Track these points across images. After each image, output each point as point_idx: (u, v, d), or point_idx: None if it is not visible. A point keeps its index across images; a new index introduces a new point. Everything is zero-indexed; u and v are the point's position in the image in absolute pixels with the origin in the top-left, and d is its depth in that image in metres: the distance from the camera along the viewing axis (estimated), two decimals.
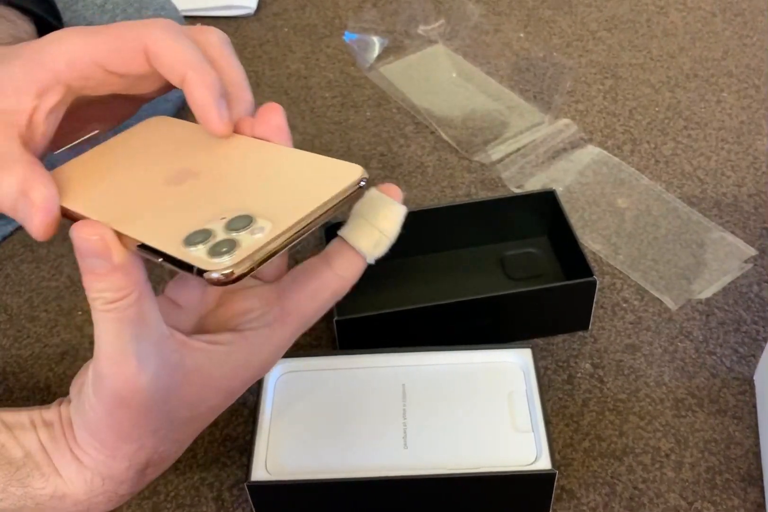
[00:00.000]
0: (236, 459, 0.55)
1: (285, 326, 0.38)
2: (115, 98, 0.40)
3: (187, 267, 0.31)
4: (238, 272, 0.30)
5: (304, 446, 0.51)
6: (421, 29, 0.92)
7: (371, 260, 0.38)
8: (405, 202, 0.76)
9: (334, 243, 0.38)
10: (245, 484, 0.48)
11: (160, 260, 0.32)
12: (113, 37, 0.36)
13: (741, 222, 0.69)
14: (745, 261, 0.66)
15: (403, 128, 0.81)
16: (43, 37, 0.38)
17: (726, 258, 0.66)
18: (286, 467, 0.49)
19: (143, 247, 0.33)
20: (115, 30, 0.36)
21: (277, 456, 0.50)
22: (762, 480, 0.53)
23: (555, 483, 0.49)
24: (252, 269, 0.31)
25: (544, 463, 0.49)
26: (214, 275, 0.30)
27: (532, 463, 0.49)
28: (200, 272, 0.30)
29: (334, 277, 0.38)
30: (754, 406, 0.57)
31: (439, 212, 0.64)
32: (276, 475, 0.49)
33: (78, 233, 0.34)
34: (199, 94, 0.36)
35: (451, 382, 0.54)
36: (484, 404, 0.52)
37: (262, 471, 0.49)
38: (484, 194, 0.74)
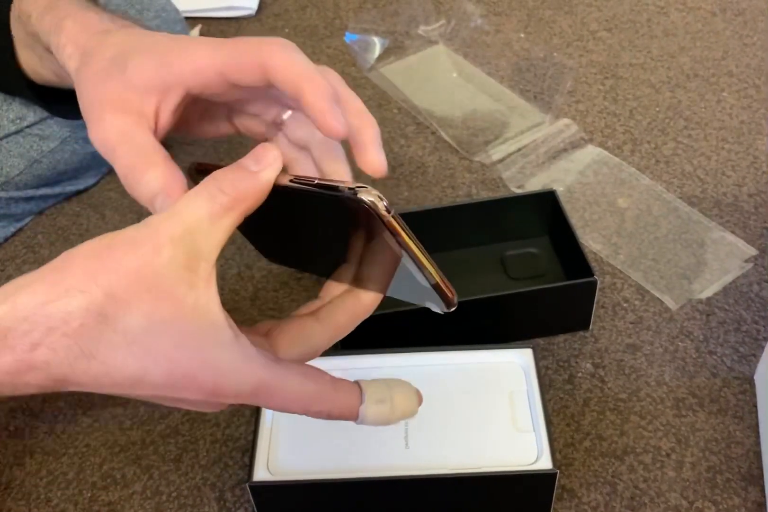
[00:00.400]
0: (238, 460, 0.56)
1: (268, 368, 0.36)
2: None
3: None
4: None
5: (306, 446, 0.51)
6: (422, 30, 0.92)
7: (364, 411, 0.38)
8: (406, 202, 0.76)
9: (350, 384, 0.39)
10: (247, 484, 0.48)
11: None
12: (235, 51, 0.39)
13: (741, 222, 0.69)
14: (746, 261, 0.66)
15: (403, 129, 0.81)
16: (172, 39, 0.42)
17: (726, 258, 0.66)
18: (287, 467, 0.49)
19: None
20: (237, 45, 0.39)
21: (279, 457, 0.50)
22: (763, 480, 0.53)
23: (556, 483, 0.49)
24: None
25: (545, 463, 0.49)
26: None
27: (533, 463, 0.49)
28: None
29: (330, 389, 0.38)
30: (755, 405, 0.57)
31: (440, 213, 0.65)
32: (278, 475, 0.49)
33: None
34: (314, 99, 0.37)
35: (453, 382, 0.54)
36: (485, 404, 0.53)
37: (263, 471, 0.49)
38: (484, 194, 0.74)
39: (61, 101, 0.61)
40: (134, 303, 0.34)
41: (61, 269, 0.34)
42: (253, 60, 0.39)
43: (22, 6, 0.53)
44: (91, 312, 0.33)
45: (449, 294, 0.36)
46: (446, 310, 0.37)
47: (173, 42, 0.42)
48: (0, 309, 0.33)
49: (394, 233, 0.34)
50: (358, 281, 0.40)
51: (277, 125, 0.44)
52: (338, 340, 0.41)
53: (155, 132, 0.42)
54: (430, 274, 0.36)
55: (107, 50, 0.44)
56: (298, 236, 0.41)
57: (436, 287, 0.36)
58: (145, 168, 0.39)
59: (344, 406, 0.38)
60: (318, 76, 0.38)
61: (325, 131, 0.37)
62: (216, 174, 0.36)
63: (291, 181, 0.36)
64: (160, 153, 0.40)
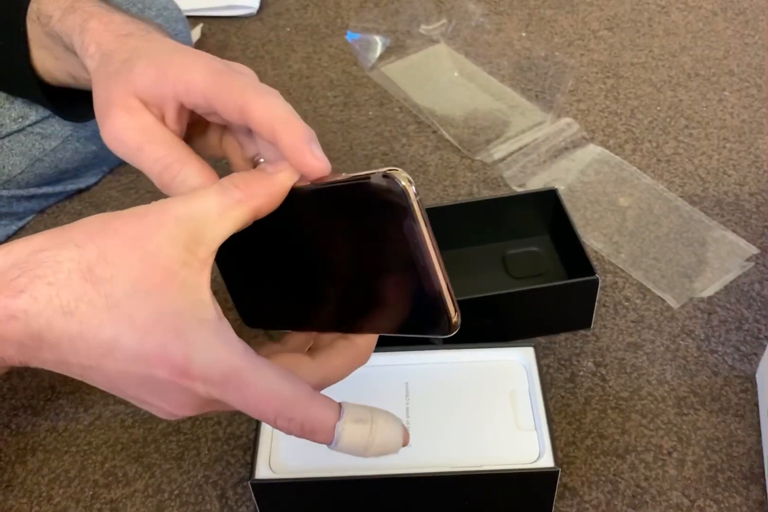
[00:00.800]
0: (240, 458, 0.56)
1: (245, 357, 0.35)
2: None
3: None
4: None
5: (308, 444, 0.50)
6: (423, 29, 0.92)
7: (340, 428, 0.35)
8: None
9: (329, 399, 0.37)
10: (249, 482, 0.49)
11: None
12: (224, 85, 0.40)
13: (742, 221, 0.69)
14: (747, 260, 0.66)
15: (405, 128, 0.81)
16: (177, 51, 0.43)
17: (728, 257, 0.66)
18: (289, 465, 0.49)
19: None
20: (227, 80, 0.40)
21: (281, 455, 0.50)
22: (764, 478, 0.53)
23: (558, 481, 0.49)
24: None
25: (546, 461, 0.49)
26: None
27: (534, 461, 0.49)
28: None
29: (306, 398, 0.35)
30: (756, 404, 0.57)
31: (442, 211, 0.65)
32: (279, 473, 0.49)
33: None
34: (288, 140, 0.37)
35: (454, 380, 0.54)
36: (486, 402, 0.53)
37: (265, 469, 0.49)
38: (486, 193, 0.74)
39: (70, 103, 0.62)
40: (125, 269, 0.34)
41: (66, 228, 0.35)
42: (234, 100, 0.39)
43: (41, 8, 0.54)
44: (81, 266, 0.34)
45: (453, 309, 0.34)
46: (447, 333, 0.34)
47: (176, 55, 0.43)
48: None
49: (416, 220, 0.33)
50: (356, 321, 0.38)
51: (254, 163, 0.44)
52: (330, 385, 0.38)
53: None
54: (441, 276, 0.33)
55: (123, 53, 0.45)
56: (300, 272, 0.40)
57: (440, 295, 0.33)
58: (181, 165, 0.40)
59: (318, 418, 0.35)
60: (294, 119, 0.38)
61: (306, 169, 0.37)
62: (233, 174, 0.37)
63: (312, 183, 0.37)
64: (188, 148, 0.41)
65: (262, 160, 0.43)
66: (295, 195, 0.38)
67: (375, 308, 0.37)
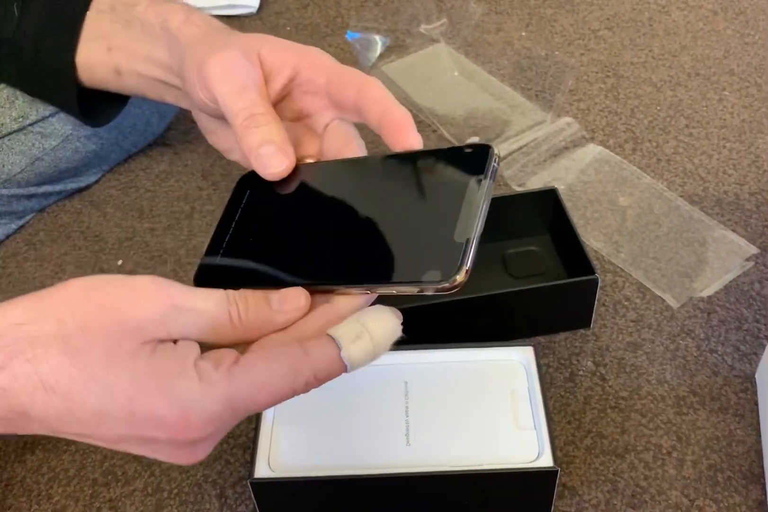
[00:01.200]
0: (239, 457, 0.56)
1: (228, 374, 0.34)
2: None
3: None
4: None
5: (307, 443, 0.51)
6: (423, 28, 0.92)
7: (348, 360, 0.35)
8: None
9: (318, 337, 0.36)
10: (248, 481, 0.49)
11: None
12: (345, 69, 0.47)
13: (743, 220, 0.69)
14: (747, 259, 0.66)
15: None
16: (298, 50, 0.49)
17: (728, 256, 0.66)
18: (288, 464, 0.49)
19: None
20: (351, 70, 0.47)
21: (280, 454, 0.50)
22: (764, 478, 0.53)
23: (557, 481, 0.49)
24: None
25: (546, 460, 0.49)
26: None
27: (534, 460, 0.49)
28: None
29: (301, 354, 0.35)
30: (756, 404, 0.57)
31: None
32: (279, 472, 0.49)
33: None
34: (399, 117, 0.43)
35: (454, 380, 0.54)
36: (486, 401, 0.53)
37: (265, 468, 0.49)
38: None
39: (91, 107, 0.65)
40: (101, 337, 0.33)
41: (48, 295, 0.34)
42: (355, 80, 0.46)
43: None
44: (59, 340, 0.33)
45: (468, 262, 0.34)
46: (450, 284, 0.33)
47: (303, 45, 0.49)
48: None
49: (490, 178, 0.36)
50: (356, 271, 0.37)
51: None
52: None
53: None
54: (479, 226, 0.35)
55: (235, 38, 0.51)
56: (315, 224, 0.41)
57: (468, 243, 0.34)
58: (270, 119, 0.45)
59: (324, 362, 0.35)
60: (403, 107, 0.44)
61: (406, 142, 0.42)
62: (244, 297, 0.37)
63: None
64: (279, 121, 0.45)
65: (308, 160, 0.47)
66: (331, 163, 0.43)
67: (385, 256, 0.36)
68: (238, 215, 0.44)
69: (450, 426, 0.51)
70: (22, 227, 0.73)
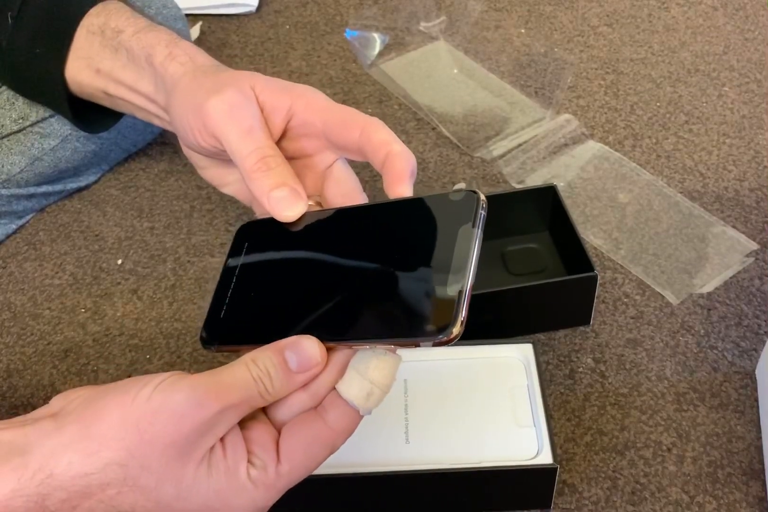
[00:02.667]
0: None
1: (276, 474, 0.38)
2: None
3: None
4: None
5: None
6: (422, 26, 0.92)
7: (365, 412, 0.38)
8: None
9: (329, 396, 0.39)
10: None
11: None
12: (346, 114, 0.46)
13: (742, 216, 0.69)
14: (747, 255, 0.66)
15: (404, 125, 0.81)
16: (292, 91, 0.48)
17: (727, 252, 0.66)
18: None
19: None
20: (349, 110, 0.46)
21: None
22: (764, 474, 0.53)
23: (557, 478, 0.49)
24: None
25: (545, 458, 0.49)
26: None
27: (533, 458, 0.49)
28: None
29: (327, 430, 0.38)
30: (756, 400, 0.57)
31: None
32: None
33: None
34: (399, 166, 0.43)
35: (453, 377, 0.54)
36: (485, 399, 0.53)
37: None
38: (485, 190, 0.74)
39: (86, 114, 0.66)
40: (166, 473, 0.36)
41: (97, 437, 0.35)
42: (357, 121, 0.45)
43: (109, 22, 0.59)
44: (128, 482, 0.35)
45: (462, 314, 0.34)
46: (445, 337, 0.34)
47: (297, 84, 0.49)
48: (36, 477, 0.35)
49: (479, 227, 0.36)
50: (351, 326, 0.38)
51: None
52: (323, 399, 0.39)
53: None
54: (471, 278, 0.35)
55: (226, 77, 0.50)
56: (310, 280, 0.41)
57: (461, 296, 0.34)
58: (279, 161, 0.45)
59: (349, 428, 0.38)
60: (407, 150, 0.44)
61: (396, 193, 0.42)
62: (275, 378, 0.38)
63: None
64: (287, 162, 0.46)
65: (309, 202, 0.47)
66: (324, 213, 0.43)
67: (383, 310, 0.37)
68: (238, 269, 0.44)
69: (449, 424, 0.51)
70: (22, 227, 0.73)
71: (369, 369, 0.37)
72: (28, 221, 0.74)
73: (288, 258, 0.43)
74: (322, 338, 0.38)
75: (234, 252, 0.45)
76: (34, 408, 0.59)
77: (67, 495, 0.35)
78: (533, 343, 0.55)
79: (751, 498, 0.52)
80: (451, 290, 0.34)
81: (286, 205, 0.44)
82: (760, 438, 0.55)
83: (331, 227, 0.43)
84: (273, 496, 0.38)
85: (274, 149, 0.46)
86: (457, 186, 0.39)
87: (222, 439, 0.37)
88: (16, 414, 0.59)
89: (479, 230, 0.36)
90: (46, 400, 0.60)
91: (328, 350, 0.38)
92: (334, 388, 0.38)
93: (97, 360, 0.62)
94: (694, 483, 0.53)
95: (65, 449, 0.35)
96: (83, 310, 0.66)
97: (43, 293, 0.67)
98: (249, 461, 0.37)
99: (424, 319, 0.34)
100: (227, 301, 0.43)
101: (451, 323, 0.34)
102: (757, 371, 0.58)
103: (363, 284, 0.38)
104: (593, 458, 0.54)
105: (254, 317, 0.42)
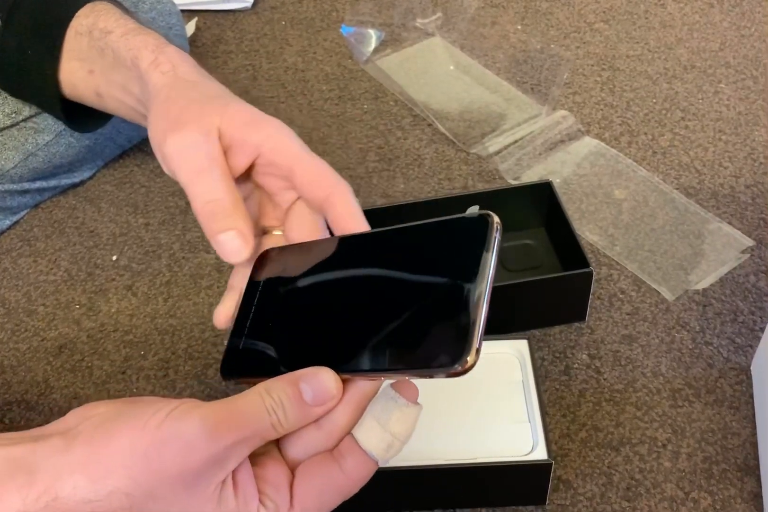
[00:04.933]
0: None
1: None
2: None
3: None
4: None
5: None
6: (419, 22, 0.92)
7: (383, 463, 0.37)
8: (402, 194, 0.76)
9: (346, 442, 0.37)
10: None
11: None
12: (318, 170, 0.45)
13: (738, 213, 0.69)
14: (743, 252, 0.66)
15: (400, 121, 0.81)
16: (260, 128, 0.47)
17: (723, 249, 0.66)
18: None
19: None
20: (322, 166, 0.46)
21: None
22: (759, 470, 0.53)
23: (552, 474, 0.49)
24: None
25: (540, 453, 0.49)
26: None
27: (528, 453, 0.49)
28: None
29: (342, 477, 0.37)
30: (751, 396, 0.57)
31: (436, 205, 0.64)
32: None
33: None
34: (346, 206, 0.44)
35: None
36: (480, 395, 0.53)
37: None
38: (481, 186, 0.74)
39: (77, 115, 0.65)
40: (172, 504, 0.35)
41: (105, 462, 0.35)
42: (329, 184, 0.44)
43: (98, 23, 0.58)
44: (133, 510, 0.35)
45: (477, 342, 0.33)
46: (460, 367, 0.32)
47: (271, 118, 0.47)
48: (41, 499, 0.34)
49: (493, 252, 0.35)
50: (366, 358, 0.37)
51: (263, 231, 0.49)
52: (339, 439, 0.38)
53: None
54: (486, 305, 0.33)
55: (210, 90, 0.50)
56: (327, 311, 0.40)
57: (473, 325, 0.33)
58: (226, 219, 0.44)
59: (365, 478, 0.38)
60: (343, 184, 0.44)
61: (355, 230, 0.43)
62: (288, 408, 0.37)
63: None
64: (239, 197, 0.45)
65: (275, 232, 0.48)
66: (344, 240, 0.42)
67: (397, 341, 0.36)
68: (256, 299, 0.44)
69: (444, 420, 0.51)
70: (16, 223, 0.73)
71: (390, 421, 0.37)
72: (22, 217, 0.73)
73: (305, 288, 0.42)
74: (338, 369, 0.37)
75: (252, 282, 0.45)
76: (28, 404, 0.59)
77: None
78: (528, 339, 0.55)
79: (746, 493, 0.52)
80: (465, 320, 0.33)
81: (230, 249, 0.44)
82: (755, 434, 0.55)
83: (346, 256, 0.42)
84: None
85: (225, 191, 0.44)
86: (470, 209, 0.38)
87: (234, 475, 0.36)
88: (10, 411, 0.59)
89: (494, 256, 0.35)
90: (39, 396, 0.60)
91: (342, 382, 0.37)
92: (352, 434, 0.37)
93: (92, 356, 0.62)
94: (689, 479, 0.53)
95: (72, 471, 0.35)
96: (78, 306, 0.66)
97: (37, 290, 0.67)
98: (260, 501, 0.36)
99: (439, 349, 0.33)
100: (246, 332, 0.43)
101: (465, 353, 0.32)
102: (752, 368, 0.58)
103: (377, 313, 0.38)
104: (588, 454, 0.54)
105: (273, 349, 0.41)
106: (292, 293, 0.43)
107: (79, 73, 0.60)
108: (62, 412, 0.58)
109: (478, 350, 0.33)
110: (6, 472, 0.35)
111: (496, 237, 0.35)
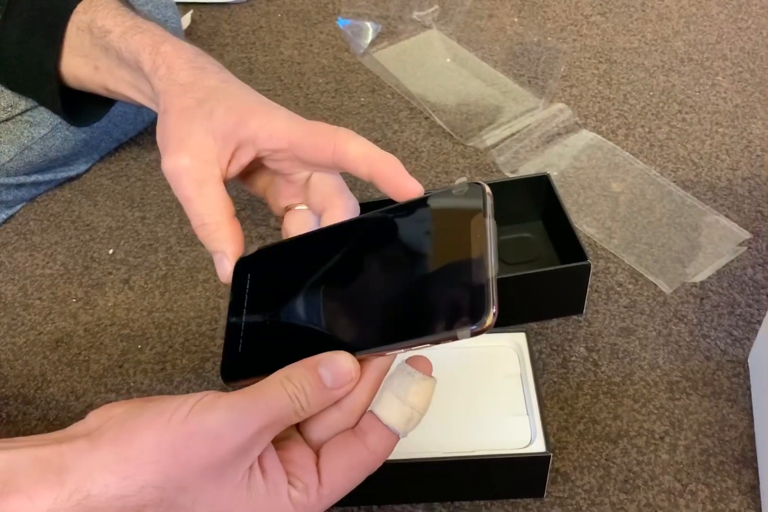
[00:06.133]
0: None
1: (318, 497, 0.38)
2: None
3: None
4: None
5: None
6: (415, 14, 0.92)
7: (404, 435, 0.38)
8: None
9: (366, 418, 0.38)
10: None
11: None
12: (313, 130, 0.46)
13: (735, 205, 0.69)
14: (740, 244, 0.66)
15: (397, 114, 0.81)
16: (259, 101, 0.50)
17: (720, 241, 0.66)
18: None
19: None
20: (316, 125, 0.47)
21: None
22: (756, 462, 0.53)
23: (550, 466, 0.49)
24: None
25: (538, 446, 0.49)
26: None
27: (526, 446, 0.49)
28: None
29: (367, 453, 0.38)
30: (749, 388, 0.57)
31: None
32: None
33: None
34: (389, 171, 0.43)
35: (446, 366, 0.54)
36: (478, 388, 0.53)
37: None
38: (478, 180, 0.73)
39: (77, 106, 0.66)
40: (203, 494, 0.35)
41: (133, 459, 0.35)
42: (327, 141, 0.45)
43: (96, 21, 0.58)
44: (164, 503, 0.35)
45: (494, 299, 0.34)
46: (483, 325, 0.33)
47: (259, 106, 0.49)
48: (73, 498, 0.34)
49: (490, 217, 0.36)
50: (384, 333, 0.38)
51: (288, 209, 0.51)
52: (359, 417, 0.39)
53: (224, 178, 0.48)
54: (494, 264, 0.35)
55: (199, 91, 0.50)
56: (330, 294, 0.40)
57: (489, 283, 0.34)
58: (216, 228, 0.47)
59: (388, 452, 0.39)
60: (386, 153, 0.44)
61: (405, 192, 0.42)
62: (306, 389, 0.37)
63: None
64: (229, 209, 0.48)
65: (298, 207, 0.50)
66: (341, 224, 0.43)
67: (411, 312, 0.37)
68: (246, 300, 0.44)
69: (442, 413, 0.51)
70: (12, 216, 0.73)
71: (409, 395, 0.38)
72: (18, 211, 0.73)
73: (301, 278, 0.42)
74: (352, 351, 0.37)
75: (238, 286, 0.45)
76: (25, 398, 0.59)
77: None
78: (526, 332, 0.55)
79: (744, 485, 0.52)
80: (477, 281, 0.34)
81: (218, 270, 0.47)
82: (752, 426, 0.55)
83: (342, 241, 0.42)
84: None
85: (219, 214, 0.47)
86: (460, 180, 0.39)
87: (260, 460, 0.37)
88: (6, 405, 0.59)
89: (491, 219, 0.36)
90: (36, 390, 0.60)
91: (359, 362, 0.38)
92: (371, 411, 0.38)
93: (89, 350, 0.62)
94: (686, 471, 0.53)
95: (102, 470, 0.35)
96: (74, 300, 0.65)
97: (33, 283, 0.67)
98: (289, 482, 0.37)
99: (456, 313, 0.34)
100: (242, 334, 0.42)
101: (485, 310, 0.33)
102: (749, 360, 0.58)
103: (385, 290, 0.38)
104: (586, 446, 0.54)
105: (278, 344, 0.41)
106: (288, 286, 0.42)
107: (84, 69, 0.60)
108: (59, 406, 0.58)
109: (495, 312, 0.34)
110: (36, 472, 0.35)
111: (489, 203, 0.37)
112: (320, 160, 0.46)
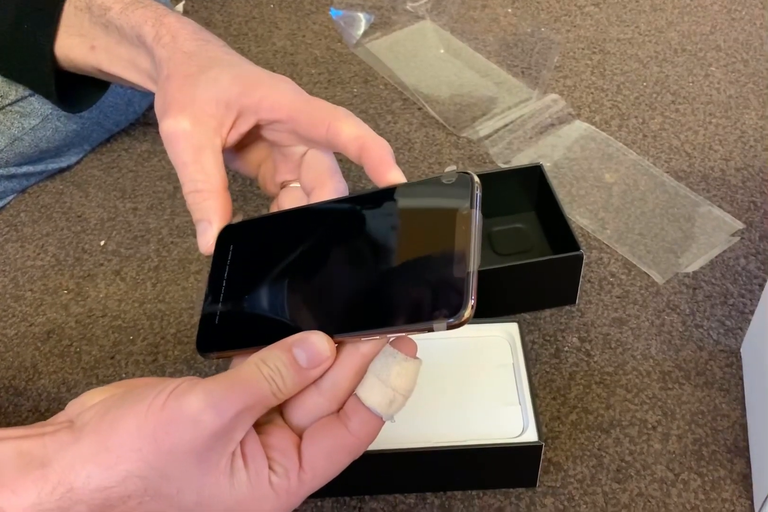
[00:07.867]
0: None
1: (299, 481, 0.37)
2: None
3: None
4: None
5: None
6: (409, 5, 0.91)
7: (388, 418, 0.38)
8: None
9: (350, 402, 0.38)
10: None
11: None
12: (312, 105, 0.47)
13: (728, 196, 0.69)
14: (733, 235, 0.66)
15: (390, 105, 0.80)
16: (262, 73, 0.49)
17: (713, 232, 0.66)
18: None
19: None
20: (316, 101, 0.47)
21: None
22: (748, 451, 0.53)
23: (542, 456, 0.49)
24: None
25: (530, 435, 0.49)
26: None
27: (518, 436, 0.49)
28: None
29: (349, 437, 0.38)
30: (741, 378, 0.57)
31: None
32: None
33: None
34: (377, 154, 0.43)
35: (439, 356, 0.54)
36: (471, 377, 0.52)
37: None
38: (471, 170, 0.73)
39: (70, 91, 0.65)
40: (186, 481, 0.35)
41: (115, 449, 0.35)
42: (323, 118, 0.45)
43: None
44: (149, 493, 0.35)
45: (473, 293, 0.33)
46: (458, 318, 0.33)
47: (267, 76, 0.49)
48: (56, 491, 0.34)
49: (477, 208, 0.36)
50: (360, 318, 0.37)
51: (282, 186, 0.51)
52: (342, 402, 0.38)
53: (223, 145, 0.48)
54: (476, 257, 0.34)
55: (203, 59, 0.50)
56: (311, 274, 0.40)
57: (470, 276, 0.34)
58: (209, 195, 0.47)
59: (372, 435, 0.38)
60: (378, 137, 0.44)
61: (388, 178, 0.42)
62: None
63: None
64: (223, 180, 0.47)
65: (292, 185, 0.50)
66: (321, 205, 0.43)
67: (390, 299, 0.37)
68: (227, 272, 0.43)
69: (435, 402, 0.51)
70: (2, 208, 0.72)
71: (391, 376, 0.37)
72: (8, 202, 0.73)
73: (282, 256, 0.42)
74: (330, 333, 0.37)
75: (219, 256, 0.44)
76: (16, 389, 0.59)
77: (87, 508, 0.34)
78: (519, 322, 0.55)
79: (735, 475, 0.52)
80: (458, 273, 0.34)
81: (200, 240, 0.46)
82: (744, 416, 0.55)
83: (325, 221, 0.42)
84: (295, 503, 0.38)
85: (210, 181, 0.47)
86: (449, 169, 0.38)
87: (242, 446, 0.37)
88: None
89: (477, 211, 0.36)
90: (28, 382, 0.59)
91: (337, 346, 0.37)
92: (355, 394, 0.38)
93: (80, 342, 0.62)
94: (678, 460, 0.53)
95: (84, 462, 0.35)
96: (66, 291, 0.65)
97: (24, 275, 0.67)
98: (270, 468, 0.37)
99: (434, 304, 0.34)
100: (220, 306, 0.42)
101: (463, 304, 0.33)
102: (742, 350, 0.58)
103: (366, 275, 0.38)
104: (579, 436, 0.54)
105: (254, 320, 0.41)
106: (268, 262, 0.42)
107: (78, 49, 0.59)
108: (50, 398, 0.58)
109: (473, 305, 0.33)
110: (20, 466, 0.35)
111: (477, 194, 0.36)
112: (314, 136, 0.46)
